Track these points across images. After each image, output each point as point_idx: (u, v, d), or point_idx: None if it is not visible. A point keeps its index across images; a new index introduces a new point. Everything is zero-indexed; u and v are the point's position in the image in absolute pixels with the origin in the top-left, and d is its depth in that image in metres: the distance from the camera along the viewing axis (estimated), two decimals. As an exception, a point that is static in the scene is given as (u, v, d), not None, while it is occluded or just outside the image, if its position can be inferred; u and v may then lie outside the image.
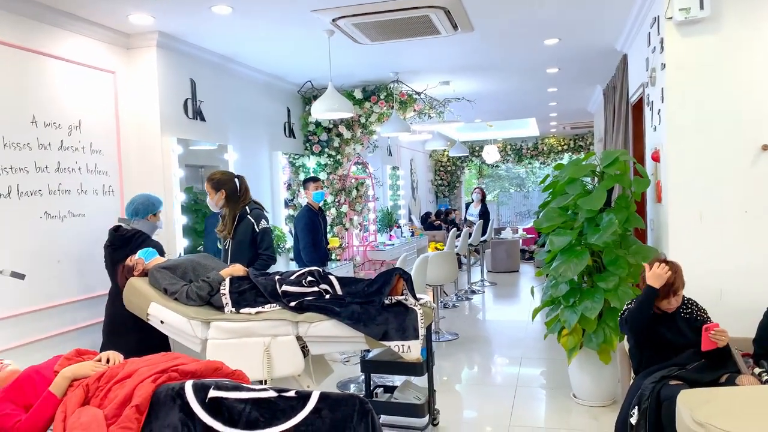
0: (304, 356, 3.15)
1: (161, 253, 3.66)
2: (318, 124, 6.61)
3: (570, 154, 13.70)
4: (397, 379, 4.35)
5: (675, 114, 3.55)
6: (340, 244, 6.75)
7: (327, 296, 3.20)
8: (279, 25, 4.34)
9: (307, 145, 6.72)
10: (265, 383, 3.06)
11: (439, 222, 12.23)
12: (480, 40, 5.02)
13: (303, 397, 1.99)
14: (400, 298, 3.09)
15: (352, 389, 4.60)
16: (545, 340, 5.15)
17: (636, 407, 2.90)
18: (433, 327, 6.26)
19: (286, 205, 6.31)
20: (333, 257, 6.60)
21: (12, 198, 3.44)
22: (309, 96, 6.65)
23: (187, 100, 4.72)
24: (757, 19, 3.42)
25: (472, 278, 9.63)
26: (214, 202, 3.96)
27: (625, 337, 3.38)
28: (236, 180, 3.96)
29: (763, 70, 3.44)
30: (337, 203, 6.77)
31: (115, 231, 3.70)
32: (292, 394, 2.01)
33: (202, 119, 4.90)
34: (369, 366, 3.80)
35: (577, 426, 3.82)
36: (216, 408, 1.96)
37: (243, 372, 2.35)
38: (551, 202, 4.23)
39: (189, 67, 4.75)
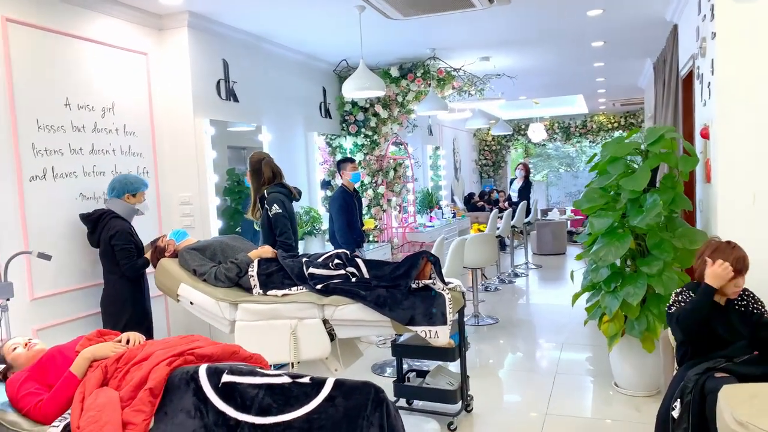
0: (332, 340, 3.11)
1: (129, 237, 3.59)
2: (354, 103, 6.52)
3: (621, 131, 13.18)
4: (432, 364, 4.27)
5: (725, 87, 3.29)
6: (376, 226, 6.68)
7: (353, 279, 3.14)
8: (308, 2, 4.25)
9: (344, 125, 6.64)
10: (292, 366, 3.04)
11: (482, 203, 12.02)
12: (518, 13, 4.81)
13: (317, 384, 1.94)
14: (427, 282, 3.00)
15: (388, 372, 4.56)
16: (590, 326, 4.97)
17: (678, 400, 2.73)
18: (472, 311, 6.19)
19: (323, 186, 6.27)
20: (371, 239, 6.55)
21: (47, 180, 3.50)
22: (345, 75, 6.55)
23: (219, 80, 4.70)
24: (822, -19, 3.12)
25: (516, 261, 9.43)
26: (250, 184, 4.06)
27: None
28: (262, 161, 3.95)
29: (828, 36, 3.14)
30: (374, 184, 6.69)
31: (83, 215, 3.61)
32: (306, 380, 1.96)
33: (236, 100, 4.88)
34: (400, 350, 3.73)
35: (617, 416, 3.67)
36: (229, 393, 1.93)
37: (261, 356, 2.32)
38: (594, 182, 4.04)
39: (221, 48, 4.72)
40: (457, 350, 3.54)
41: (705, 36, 3.62)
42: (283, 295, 3.11)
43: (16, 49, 3.34)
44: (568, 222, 11.86)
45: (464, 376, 3.64)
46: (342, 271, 3.15)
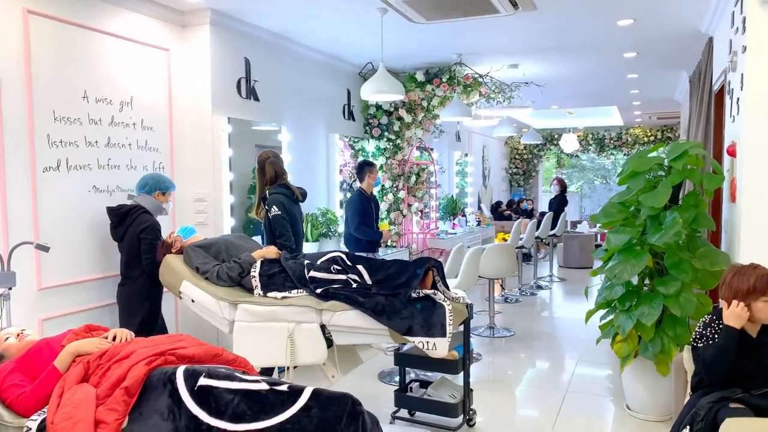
0: (330, 346, 3.06)
1: (157, 233, 3.61)
2: (378, 107, 6.48)
3: (660, 144, 12.82)
4: (438, 374, 4.19)
5: (754, 103, 3.14)
6: (397, 231, 6.62)
7: (354, 285, 3.08)
8: (330, 2, 4.22)
9: (367, 128, 6.60)
10: (288, 370, 3.00)
11: (509, 212, 11.83)
12: (546, 20, 4.70)
13: (295, 393, 1.89)
14: (428, 291, 2.92)
15: (395, 380, 4.48)
16: (606, 344, 4.81)
17: (688, 427, 2.59)
18: (487, 322, 6.07)
19: (345, 188, 6.23)
20: (389, 243, 6.48)
21: (61, 171, 3.54)
22: (369, 77, 6.50)
23: (240, 79, 4.71)
24: None
25: (540, 273, 9.24)
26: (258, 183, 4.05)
27: (684, 348, 3.05)
28: (266, 161, 3.95)
29: None
30: (395, 189, 6.63)
31: (111, 208, 3.64)
32: (284, 388, 1.91)
33: (256, 99, 4.88)
34: (403, 359, 3.66)
35: (625, 440, 3.53)
36: (204, 397, 1.89)
37: (245, 359, 2.28)
38: (613, 197, 3.90)
39: (244, 46, 4.73)
40: (461, 362, 3.45)
41: (736, 50, 3.46)
42: (283, 297, 3.07)
43: (36, 41, 3.38)
44: (598, 235, 11.58)
45: (467, 389, 3.54)
46: (343, 276, 3.10)
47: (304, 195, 4.15)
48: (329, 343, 3.07)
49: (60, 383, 2.04)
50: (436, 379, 3.82)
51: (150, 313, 3.63)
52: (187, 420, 1.83)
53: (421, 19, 4.47)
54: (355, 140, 6.49)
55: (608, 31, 5.05)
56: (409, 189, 6.84)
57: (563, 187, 10.38)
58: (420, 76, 6.27)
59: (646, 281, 3.82)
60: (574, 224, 12.68)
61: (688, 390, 2.97)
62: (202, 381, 1.91)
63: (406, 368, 3.79)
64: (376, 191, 5.93)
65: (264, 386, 1.90)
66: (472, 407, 3.66)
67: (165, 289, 3.68)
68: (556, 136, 13.87)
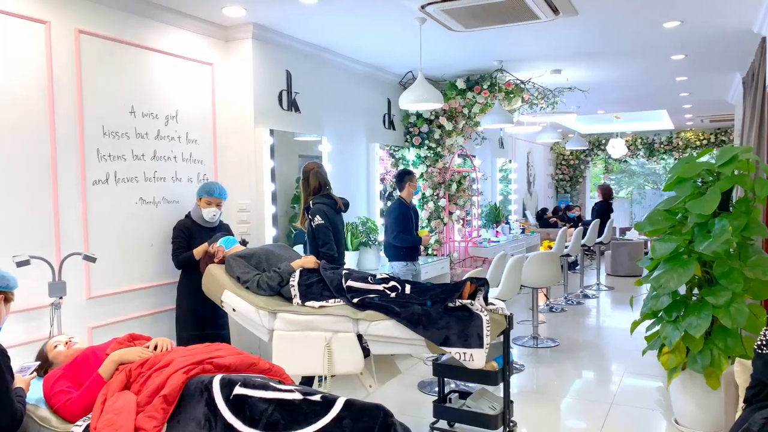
0: (367, 355, 3.07)
1: (181, 233, 3.88)
2: (419, 115, 6.48)
3: (708, 149, 12.37)
4: (477, 385, 4.14)
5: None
6: (437, 239, 6.59)
7: (393, 294, 3.08)
8: (367, 14, 4.26)
9: (408, 136, 6.61)
10: (326, 380, 3.02)
11: (555, 219, 11.62)
12: (589, 25, 4.61)
13: (327, 403, 1.90)
14: (465, 302, 2.90)
15: (435, 390, 4.45)
16: (655, 356, 4.66)
17: (740, 442, 2.49)
18: (530, 332, 5.96)
19: (388, 197, 6.24)
20: (429, 251, 6.46)
21: (110, 184, 3.68)
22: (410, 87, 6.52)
23: (282, 91, 4.79)
24: None
25: (587, 282, 9.02)
26: (301, 194, 4.09)
27: (736, 361, 2.93)
28: (310, 172, 4.01)
29: None
30: (436, 197, 6.61)
31: None
32: (317, 398, 1.92)
33: (297, 110, 4.96)
34: (441, 369, 3.63)
35: (673, 456, 3.40)
36: (239, 406, 1.92)
37: (281, 368, 2.31)
38: (660, 204, 3.79)
39: (285, 59, 4.82)
40: (500, 374, 3.40)
41: (788, 49, 3.31)
42: (320, 306, 3.10)
43: (87, 59, 3.54)
44: (647, 242, 11.23)
45: (507, 401, 3.49)
46: (380, 287, 3.11)
47: (346, 205, 4.20)
48: (366, 352, 3.07)
49: (103, 390, 2.11)
50: (475, 390, 3.78)
51: (182, 313, 3.89)
52: (223, 428, 1.87)
53: (460, 28, 4.46)
54: (396, 149, 6.50)
55: (654, 34, 4.92)
56: (450, 197, 6.81)
57: (606, 194, 10.12)
58: (461, 84, 6.24)
59: (694, 291, 3.69)
60: (623, 231, 12.34)
61: (740, 404, 2.85)
62: (238, 390, 1.94)
63: (445, 379, 3.76)
64: (415, 200, 5.91)
65: (298, 396, 1.93)
66: (512, 419, 3.59)
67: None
68: (603, 142, 13.55)
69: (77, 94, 3.47)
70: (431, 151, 6.54)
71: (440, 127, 6.46)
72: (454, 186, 6.83)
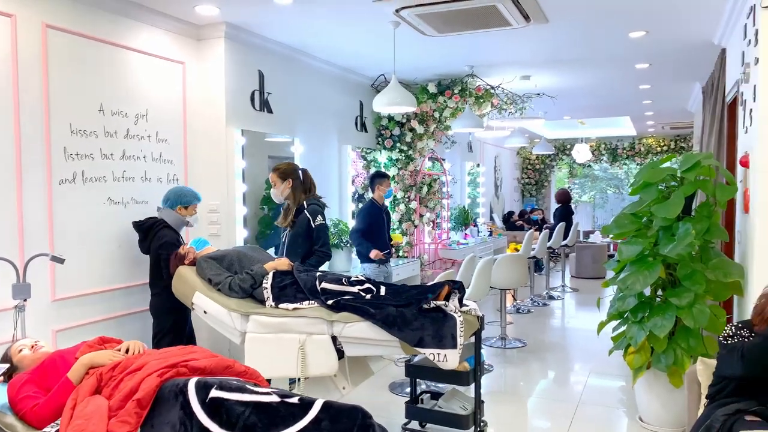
0: (341, 357, 3.07)
1: (176, 241, 3.71)
2: (390, 118, 6.51)
3: (671, 155, 12.74)
4: (451, 386, 4.18)
5: (767, 114, 3.12)
6: (408, 242, 6.62)
7: (368, 296, 3.09)
8: (342, 16, 4.27)
9: (379, 139, 6.64)
10: (299, 382, 3.01)
11: (521, 222, 11.80)
12: (558, 33, 4.71)
13: (305, 405, 1.90)
14: (439, 303, 2.92)
15: (406, 392, 4.47)
16: (619, 356, 4.78)
17: (702, 439, 2.57)
18: (498, 333, 6.04)
19: (357, 199, 6.25)
20: (400, 254, 6.49)
21: (77, 183, 3.59)
22: (382, 90, 6.54)
23: (254, 91, 4.75)
24: None
25: (552, 283, 9.18)
26: (279, 192, 4.00)
27: (699, 359, 3.02)
28: (300, 171, 3.99)
29: None
30: (407, 199, 6.64)
31: (135, 223, 3.78)
32: (295, 400, 1.92)
33: (270, 111, 4.93)
34: (414, 370, 3.66)
35: (638, 454, 3.49)
36: (215, 409, 1.90)
37: (256, 371, 2.29)
38: (625, 208, 3.89)
39: (257, 59, 4.78)
40: (472, 374, 3.44)
41: (749, 61, 3.45)
42: (294, 308, 3.09)
43: (54, 55, 3.45)
44: (610, 245, 11.50)
45: (478, 401, 3.53)
46: (355, 289, 3.11)
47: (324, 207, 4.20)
48: (340, 354, 3.07)
49: (73, 395, 2.06)
50: (446, 390, 3.81)
51: (175, 325, 3.73)
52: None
53: (433, 33, 4.50)
54: (368, 151, 6.52)
55: (620, 43, 5.05)
56: (420, 199, 6.85)
57: (564, 199, 10.33)
58: (432, 88, 6.29)
59: (659, 292, 3.80)
60: (587, 234, 12.60)
61: (703, 401, 2.94)
62: (214, 393, 1.92)
63: (417, 379, 3.78)
64: (387, 202, 5.92)
65: (275, 398, 1.92)
66: (483, 419, 3.64)
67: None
68: (568, 147, 13.83)
69: (44, 91, 3.39)
70: (402, 154, 6.57)
71: (411, 130, 6.50)
72: (425, 188, 6.88)
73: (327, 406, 1.88)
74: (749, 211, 3.37)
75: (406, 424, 3.69)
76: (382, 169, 6.54)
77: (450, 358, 2.81)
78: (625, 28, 4.61)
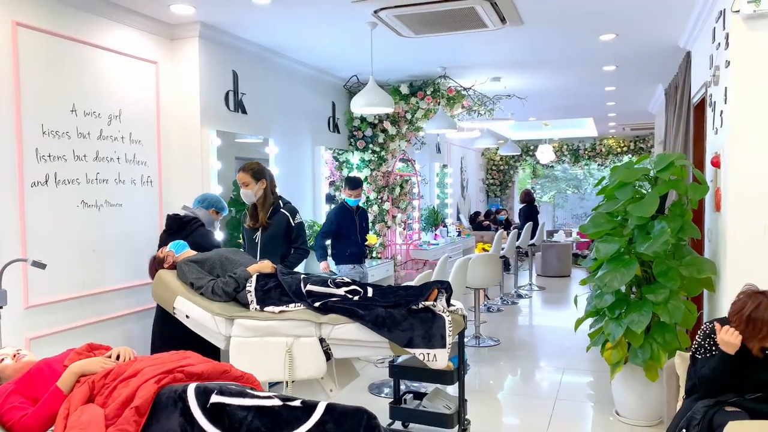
0: (328, 359, 3.05)
1: (214, 245, 3.74)
2: (363, 119, 6.51)
3: (630, 156, 13.13)
4: (429, 386, 4.20)
5: (739, 116, 3.24)
6: (381, 242, 6.63)
7: (356, 298, 3.08)
8: (320, 17, 4.25)
9: (352, 140, 6.63)
10: (287, 385, 2.98)
11: (488, 222, 11.95)
12: (531, 35, 4.79)
13: (308, 408, 1.88)
14: (428, 303, 2.94)
15: (385, 393, 4.48)
16: (592, 352, 4.90)
17: (684, 431, 2.65)
18: (473, 332, 6.11)
19: (328, 200, 6.23)
20: (374, 255, 6.49)
21: (49, 186, 3.47)
22: (355, 90, 6.53)
23: (228, 92, 4.69)
24: (838, 13, 3.07)
25: (520, 282, 9.34)
26: (254, 192, 3.90)
27: (676, 353, 3.12)
28: (268, 171, 3.96)
29: (843, 68, 3.09)
30: (380, 200, 6.65)
31: (171, 216, 3.82)
32: (297, 403, 1.90)
33: (244, 112, 4.86)
34: (398, 371, 3.67)
35: (617, 447, 3.58)
36: (217, 414, 1.87)
37: (253, 375, 2.26)
38: (600, 207, 3.99)
39: (232, 59, 4.72)
40: (456, 373, 3.47)
41: (719, 64, 3.57)
42: (281, 311, 3.06)
43: (25, 53, 3.33)
44: (574, 244, 11.77)
45: (462, 400, 3.56)
46: (341, 290, 3.10)
47: None
48: (327, 356, 3.05)
49: (65, 404, 1.99)
50: (427, 390, 3.83)
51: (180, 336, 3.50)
52: (201, 438, 1.81)
53: (410, 34, 4.52)
54: (340, 152, 6.50)
55: (590, 46, 5.17)
56: (393, 200, 6.87)
57: (528, 199, 10.55)
58: (404, 89, 6.32)
59: (633, 289, 3.90)
60: (551, 233, 12.86)
61: (681, 394, 3.04)
62: (215, 398, 1.88)
63: (400, 380, 3.79)
64: (361, 203, 5.91)
65: (277, 402, 1.89)
66: (466, 417, 3.67)
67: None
68: (531, 148, 14.07)
69: (15, 90, 3.26)
70: (375, 155, 6.58)
71: (384, 131, 6.51)
72: (397, 189, 6.90)
73: (330, 408, 1.87)
74: (721, 209, 3.49)
75: (390, 424, 3.70)
76: (355, 171, 6.53)
77: (439, 358, 2.82)
78: (597, 31, 4.73)
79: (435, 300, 2.99)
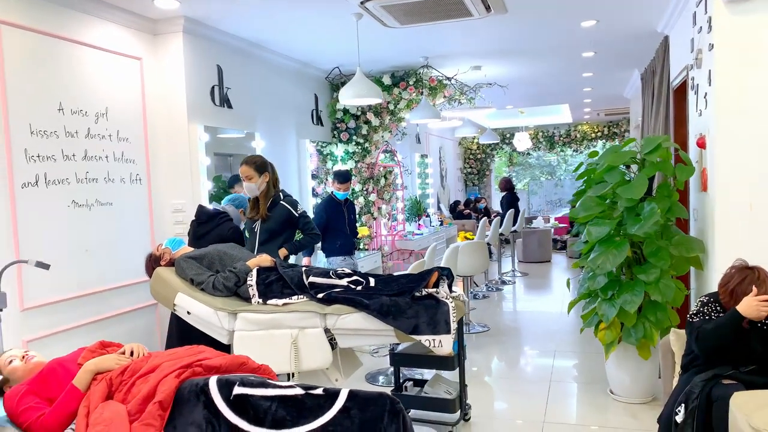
0: (332, 349, 3.07)
1: (240, 238, 3.87)
2: (346, 111, 6.51)
3: (604, 141, 13.36)
4: (427, 372, 4.25)
5: (723, 97, 3.33)
6: (369, 234, 6.65)
7: (358, 288, 3.10)
8: (305, 8, 4.23)
9: (335, 132, 6.62)
10: (292, 376, 2.99)
11: (468, 211, 12.06)
12: (513, 23, 4.84)
13: (331, 396, 1.90)
14: (431, 290, 2.98)
15: (381, 381, 4.52)
16: (579, 334, 5.01)
17: (683, 405, 2.72)
18: (463, 319, 6.17)
19: (314, 194, 6.23)
20: (361, 246, 6.51)
21: (40, 186, 3.41)
22: (337, 82, 6.54)
23: (214, 86, 4.65)
24: (816, -5, 3.18)
25: (503, 268, 9.45)
26: (257, 185, 3.82)
27: (669, 332, 3.22)
28: (269, 164, 3.94)
29: (822, 49, 3.20)
30: (365, 192, 6.67)
31: (202, 207, 3.97)
32: (319, 391, 1.92)
33: (229, 106, 4.83)
34: (398, 359, 3.70)
35: (615, 423, 3.67)
36: (241, 406, 1.88)
37: (269, 367, 2.27)
38: (587, 191, 4.06)
39: (216, 53, 4.67)
40: (456, 359, 3.52)
41: (701, 48, 3.67)
42: (284, 304, 3.06)
43: (10, 52, 3.26)
44: (552, 230, 11.94)
45: (462, 385, 3.62)
46: (344, 281, 3.12)
47: None
48: (332, 346, 3.07)
49: (84, 402, 1.98)
50: (425, 377, 3.88)
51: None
52: (228, 430, 1.82)
53: (395, 24, 4.53)
54: (323, 145, 6.49)
55: (571, 32, 5.25)
56: (378, 191, 6.89)
57: (509, 186, 10.66)
58: (387, 80, 6.33)
59: (624, 270, 3.99)
60: (529, 220, 13.03)
61: (677, 370, 3.13)
62: (237, 390, 1.89)
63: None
64: (348, 194, 5.92)
65: (299, 391, 1.91)
66: (467, 402, 3.73)
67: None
68: (508, 136, 14.20)
69: (1, 90, 3.19)
70: (359, 147, 6.58)
71: (367, 122, 6.52)
72: (381, 180, 6.92)
73: (353, 395, 1.89)
74: (707, 189, 3.59)
75: (392, 412, 3.73)
76: (339, 163, 6.53)
77: (445, 343, 2.86)
78: (578, 17, 4.80)
79: (437, 286, 3.02)
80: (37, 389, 2.11)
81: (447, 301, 2.92)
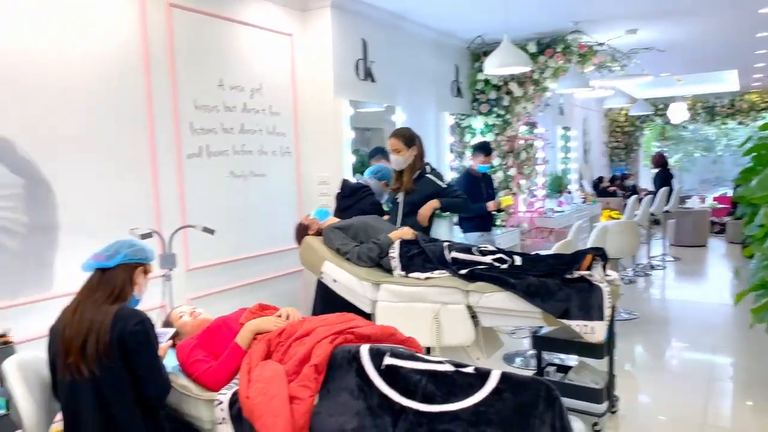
0: (475, 327, 3.01)
1: (380, 212, 3.85)
2: (487, 81, 6.31)
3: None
4: (566, 358, 4.06)
5: None
6: (510, 208, 6.45)
7: (503, 266, 3.00)
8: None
9: (475, 104, 6.46)
10: (429, 351, 2.98)
11: (613, 188, 11.34)
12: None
13: (482, 375, 1.84)
14: (584, 273, 2.80)
15: (518, 363, 4.40)
16: (743, 330, 4.51)
17: None
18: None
19: (450, 168, 6.15)
20: (498, 222, 6.35)
21: (203, 157, 3.67)
22: (479, 52, 6.35)
23: (358, 60, 4.70)
24: None
25: (652, 252, 8.79)
26: (404, 159, 3.78)
27: None
28: (417, 137, 3.89)
29: None
30: (504, 166, 6.47)
31: (346, 181, 4.07)
32: (470, 370, 1.87)
33: (372, 80, 4.87)
34: (541, 342, 3.56)
35: (789, 432, 3.27)
36: (392, 376, 1.88)
37: (416, 340, 2.26)
38: (757, 169, 3.60)
39: (361, 27, 4.72)
40: (606, 347, 3.31)
41: None
42: (426, 278, 3.05)
43: (178, 33, 3.50)
44: (710, 211, 10.87)
45: (611, 375, 3.40)
46: (488, 258, 3.03)
47: None
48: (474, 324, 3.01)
49: (246, 360, 2.11)
50: (566, 363, 3.70)
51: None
52: (379, 399, 1.84)
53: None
54: (462, 117, 6.36)
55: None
56: (518, 166, 6.65)
57: (662, 162, 9.78)
58: (532, 47, 6.03)
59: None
60: (683, 200, 11.97)
61: None
62: (388, 360, 1.90)
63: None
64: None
65: (449, 367, 1.88)
66: (615, 393, 3.52)
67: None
68: (660, 107, 13.08)
69: (170, 68, 3.45)
70: (500, 119, 6.37)
71: (509, 93, 6.28)
72: (522, 154, 6.67)
73: (506, 377, 1.82)
74: None
75: (532, 395, 3.61)
76: (479, 136, 6.37)
77: (597, 330, 2.69)
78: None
79: (589, 269, 2.84)
80: (204, 343, 2.27)
81: (602, 285, 2.74)
